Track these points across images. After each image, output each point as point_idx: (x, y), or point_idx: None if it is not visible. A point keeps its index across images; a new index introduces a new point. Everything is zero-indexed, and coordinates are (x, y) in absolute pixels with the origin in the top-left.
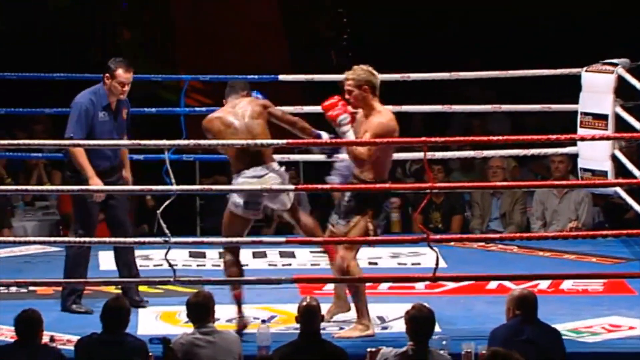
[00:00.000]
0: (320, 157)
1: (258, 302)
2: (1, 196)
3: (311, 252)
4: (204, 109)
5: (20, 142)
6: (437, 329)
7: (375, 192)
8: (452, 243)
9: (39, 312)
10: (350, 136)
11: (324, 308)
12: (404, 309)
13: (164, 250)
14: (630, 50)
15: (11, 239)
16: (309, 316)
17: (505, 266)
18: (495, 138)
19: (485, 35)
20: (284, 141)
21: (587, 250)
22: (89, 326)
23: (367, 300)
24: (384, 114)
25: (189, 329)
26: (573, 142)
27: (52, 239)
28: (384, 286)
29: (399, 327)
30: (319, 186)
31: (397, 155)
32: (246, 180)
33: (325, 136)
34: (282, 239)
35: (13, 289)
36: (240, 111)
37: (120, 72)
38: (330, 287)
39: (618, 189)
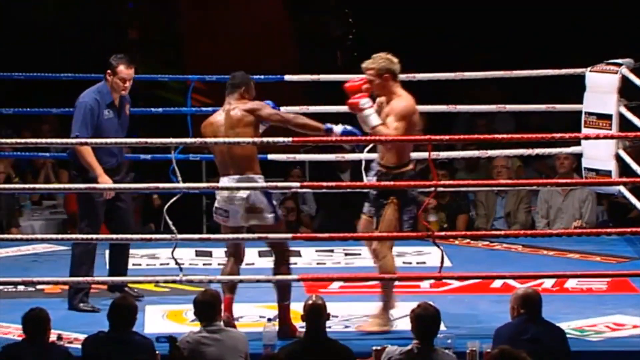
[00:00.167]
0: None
1: (264, 300)
2: (9, 195)
3: (317, 250)
4: (210, 109)
5: (28, 140)
6: (442, 327)
7: (394, 179)
8: (457, 242)
9: (46, 311)
10: (373, 119)
11: (330, 307)
12: (409, 308)
13: (170, 249)
14: (634, 51)
15: (19, 237)
16: (315, 315)
17: (510, 265)
18: (500, 137)
19: (490, 35)
20: (289, 139)
21: (591, 249)
22: (96, 324)
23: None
24: (404, 97)
25: (196, 327)
26: (577, 142)
27: (59, 236)
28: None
29: (404, 325)
30: (324, 184)
31: None
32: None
33: (337, 129)
34: (288, 235)
35: (21, 288)
36: (220, 118)
37: (121, 68)
38: (335, 285)
39: (622, 188)
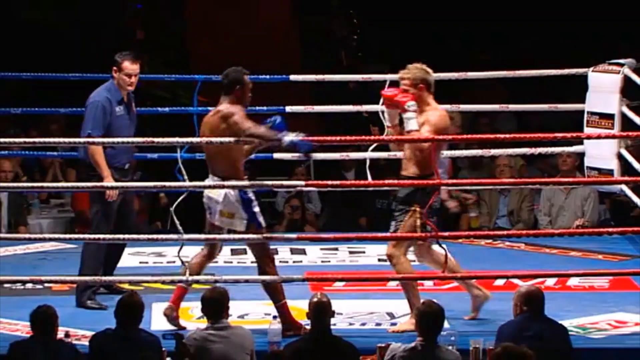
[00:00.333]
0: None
1: (269, 298)
2: (17, 194)
3: (321, 249)
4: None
5: (36, 140)
6: (445, 325)
7: (419, 189)
8: (461, 241)
9: (54, 308)
10: (413, 124)
11: (334, 304)
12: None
13: (177, 248)
14: (637, 51)
15: (27, 235)
16: (320, 312)
17: (513, 263)
18: (502, 137)
19: (493, 36)
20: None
21: (593, 247)
22: (103, 322)
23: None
24: (439, 110)
25: (202, 324)
26: (580, 141)
27: (67, 235)
28: (393, 283)
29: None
30: (329, 182)
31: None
32: None
33: (286, 139)
34: (294, 235)
35: (29, 285)
36: (208, 118)
37: (126, 64)
38: (340, 283)
39: (624, 187)
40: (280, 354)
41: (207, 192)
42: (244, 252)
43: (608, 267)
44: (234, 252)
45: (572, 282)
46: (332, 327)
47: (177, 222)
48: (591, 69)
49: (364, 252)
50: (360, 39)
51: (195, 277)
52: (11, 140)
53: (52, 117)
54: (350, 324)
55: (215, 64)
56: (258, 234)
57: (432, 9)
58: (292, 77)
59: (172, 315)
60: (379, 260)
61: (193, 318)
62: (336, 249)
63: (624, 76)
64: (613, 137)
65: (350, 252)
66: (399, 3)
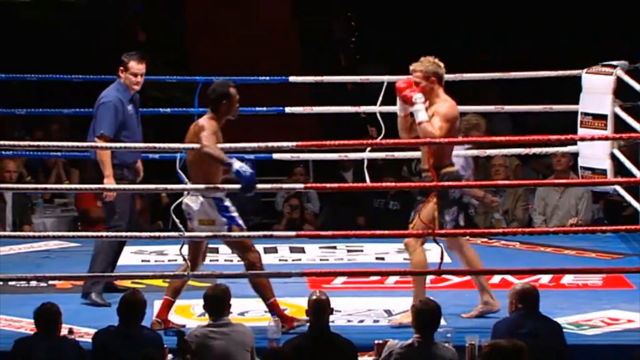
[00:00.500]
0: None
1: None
2: (22, 194)
3: (320, 247)
4: None
5: (41, 143)
6: (442, 322)
7: (432, 179)
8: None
9: (57, 306)
10: (423, 115)
11: (333, 302)
12: (410, 303)
13: (178, 246)
14: (629, 53)
15: (31, 234)
16: (318, 309)
17: (508, 261)
18: (498, 139)
19: (490, 38)
20: (293, 144)
21: (587, 246)
22: (106, 319)
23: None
24: (449, 102)
25: (203, 322)
26: (574, 142)
27: (70, 234)
28: (390, 280)
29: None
30: (327, 185)
31: (403, 155)
32: None
33: (235, 166)
34: (292, 233)
35: (33, 283)
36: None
37: (132, 63)
38: (338, 281)
39: (617, 187)
40: (280, 350)
41: (186, 199)
42: None
43: (601, 265)
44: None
45: (566, 279)
46: (330, 324)
47: (177, 221)
48: (585, 70)
49: (361, 251)
50: (359, 40)
51: (197, 273)
52: (15, 142)
53: (55, 118)
54: (349, 321)
55: (215, 64)
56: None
57: (432, 9)
58: (292, 79)
59: (161, 328)
60: (377, 258)
61: (194, 316)
62: (334, 248)
63: (616, 78)
64: (606, 138)
65: (349, 251)
66: (399, 3)
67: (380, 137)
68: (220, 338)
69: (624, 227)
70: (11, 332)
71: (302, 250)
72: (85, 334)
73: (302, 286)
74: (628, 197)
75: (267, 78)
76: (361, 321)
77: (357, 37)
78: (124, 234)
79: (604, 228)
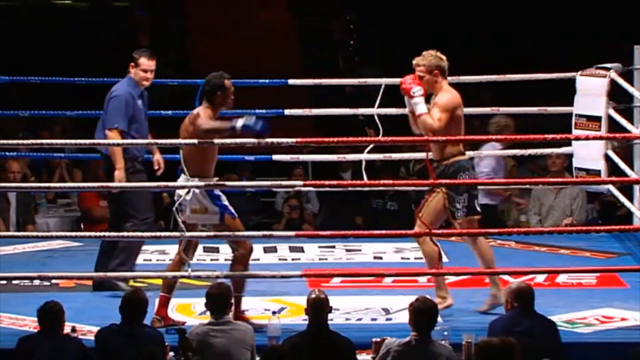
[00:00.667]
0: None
1: (269, 294)
2: (25, 194)
3: (319, 247)
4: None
5: (44, 141)
6: (439, 320)
7: (444, 172)
8: (454, 238)
9: (60, 304)
10: (421, 108)
11: (332, 301)
12: (407, 301)
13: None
14: (623, 55)
15: (35, 234)
16: (318, 308)
17: (504, 260)
18: (494, 138)
19: (494, 36)
20: (292, 140)
21: (581, 245)
22: (109, 317)
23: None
24: (449, 92)
25: (204, 320)
26: (568, 142)
27: (73, 233)
28: (388, 279)
29: (403, 318)
30: (326, 183)
31: (401, 155)
32: None
33: (239, 124)
34: (292, 233)
35: (36, 282)
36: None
37: (143, 60)
38: (337, 280)
39: (611, 187)
40: (279, 348)
41: (178, 191)
42: None
43: (595, 264)
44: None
45: (561, 278)
46: (329, 322)
47: (179, 220)
48: (579, 73)
49: (360, 250)
50: (358, 42)
51: (198, 273)
52: (20, 142)
53: (57, 120)
54: (347, 320)
55: (215, 64)
56: (234, 222)
57: (432, 9)
58: (291, 82)
59: (161, 325)
60: (375, 257)
61: (195, 314)
62: (333, 247)
63: (610, 80)
64: (600, 138)
65: (347, 250)
66: (399, 3)
67: None
68: (221, 336)
69: (617, 227)
70: (15, 330)
71: (301, 250)
72: (88, 332)
73: (301, 285)
74: (622, 198)
75: (267, 81)
76: (359, 319)
77: (356, 39)
78: (125, 233)
79: (598, 228)
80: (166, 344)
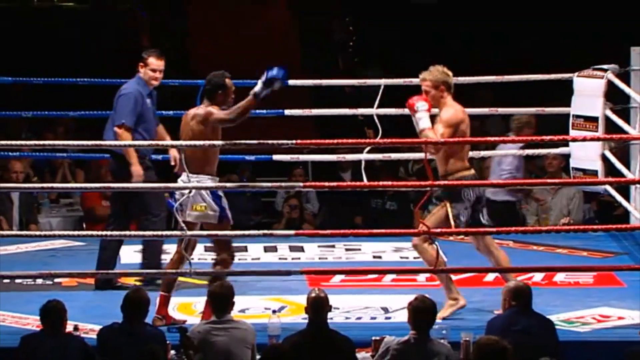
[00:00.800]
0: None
1: (269, 293)
2: (28, 194)
3: (319, 246)
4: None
5: (47, 142)
6: (437, 319)
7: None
8: (452, 238)
9: (62, 303)
10: (425, 122)
11: (331, 299)
12: (406, 300)
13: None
14: (620, 57)
15: (37, 233)
16: (317, 307)
17: None
18: (492, 139)
19: (494, 36)
20: (292, 141)
21: (578, 244)
22: (111, 316)
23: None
24: (453, 107)
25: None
26: (565, 143)
27: (75, 233)
28: (387, 278)
29: (402, 317)
30: (326, 184)
31: (399, 155)
32: None
33: (258, 89)
34: (292, 232)
35: (39, 281)
36: (189, 116)
37: (152, 59)
38: (336, 279)
39: (608, 187)
40: (280, 347)
41: (179, 185)
42: (245, 249)
43: (592, 264)
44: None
45: (558, 277)
46: (329, 321)
47: (180, 220)
48: (576, 74)
49: (359, 249)
50: (357, 42)
51: (199, 271)
52: (23, 142)
53: (60, 120)
54: (347, 318)
55: (215, 64)
56: (228, 227)
57: (432, 9)
58: (291, 82)
59: (163, 324)
60: (374, 257)
61: (196, 313)
62: (333, 247)
63: (607, 81)
64: (597, 139)
65: (347, 250)
66: (399, 3)
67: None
68: (222, 335)
69: (614, 227)
70: (18, 329)
71: (301, 249)
72: (90, 331)
73: (302, 284)
74: (618, 197)
75: None
76: (359, 318)
77: (356, 40)
78: (127, 232)
79: (595, 227)
80: (167, 342)
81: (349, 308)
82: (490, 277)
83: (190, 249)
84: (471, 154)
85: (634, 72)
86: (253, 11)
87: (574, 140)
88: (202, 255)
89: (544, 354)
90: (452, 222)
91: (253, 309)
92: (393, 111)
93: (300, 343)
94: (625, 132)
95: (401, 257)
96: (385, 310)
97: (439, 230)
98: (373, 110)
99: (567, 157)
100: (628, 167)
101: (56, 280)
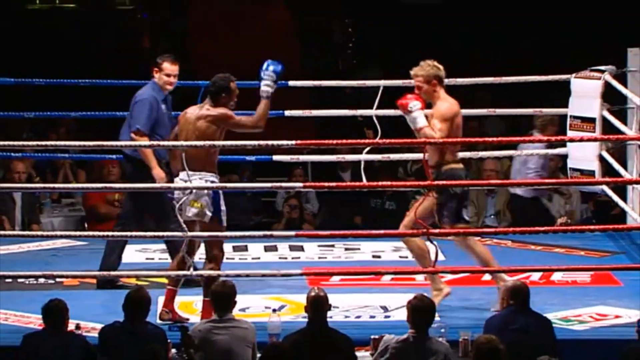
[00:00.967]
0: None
1: (269, 292)
2: (30, 194)
3: (319, 246)
4: None
5: (49, 143)
6: (436, 317)
7: (437, 178)
8: (451, 238)
9: (64, 302)
10: (420, 121)
11: (331, 298)
12: (405, 299)
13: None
14: (617, 58)
15: (39, 233)
16: (317, 306)
17: (500, 259)
18: (490, 140)
19: (494, 36)
20: (292, 142)
21: (575, 244)
22: (112, 315)
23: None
24: (447, 101)
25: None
26: (563, 143)
27: (77, 233)
28: (387, 277)
29: (401, 315)
30: (325, 184)
31: (398, 156)
32: None
33: (263, 86)
34: (292, 232)
35: (41, 280)
36: (191, 115)
37: (166, 64)
38: (336, 278)
39: (605, 187)
40: (280, 345)
41: (180, 185)
42: (245, 248)
43: (590, 263)
44: (235, 248)
45: (556, 277)
46: (328, 319)
47: (181, 220)
48: (574, 75)
49: (359, 249)
50: (357, 43)
51: (200, 272)
52: (25, 143)
53: (62, 121)
54: (346, 317)
55: (215, 64)
56: (219, 229)
57: (432, 9)
58: (291, 83)
59: (169, 317)
60: (373, 256)
61: (197, 312)
62: (332, 246)
63: (604, 82)
64: (595, 140)
65: (346, 249)
66: (398, 4)
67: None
68: (223, 333)
69: (611, 226)
70: (20, 328)
71: (301, 249)
72: (92, 329)
73: (301, 283)
74: (615, 198)
75: None
76: (358, 317)
77: (355, 42)
78: (129, 233)
79: (592, 227)
80: (168, 341)
81: (349, 307)
82: (488, 276)
83: (195, 249)
84: (470, 154)
85: (631, 73)
86: (253, 11)
87: (572, 140)
88: (202, 256)
89: (541, 353)
90: (437, 215)
91: (253, 307)
92: (392, 112)
93: (300, 342)
94: (622, 133)
95: (400, 257)
96: (384, 309)
97: (437, 230)
98: (372, 111)
99: (564, 157)
100: (625, 167)
101: (58, 279)
